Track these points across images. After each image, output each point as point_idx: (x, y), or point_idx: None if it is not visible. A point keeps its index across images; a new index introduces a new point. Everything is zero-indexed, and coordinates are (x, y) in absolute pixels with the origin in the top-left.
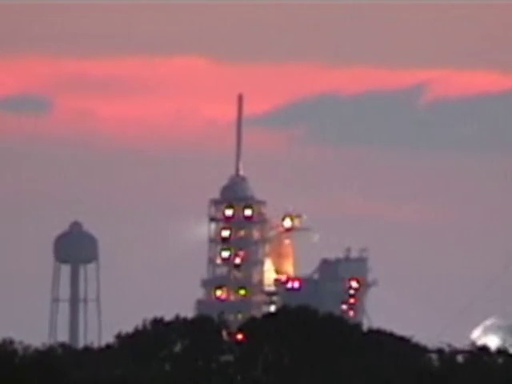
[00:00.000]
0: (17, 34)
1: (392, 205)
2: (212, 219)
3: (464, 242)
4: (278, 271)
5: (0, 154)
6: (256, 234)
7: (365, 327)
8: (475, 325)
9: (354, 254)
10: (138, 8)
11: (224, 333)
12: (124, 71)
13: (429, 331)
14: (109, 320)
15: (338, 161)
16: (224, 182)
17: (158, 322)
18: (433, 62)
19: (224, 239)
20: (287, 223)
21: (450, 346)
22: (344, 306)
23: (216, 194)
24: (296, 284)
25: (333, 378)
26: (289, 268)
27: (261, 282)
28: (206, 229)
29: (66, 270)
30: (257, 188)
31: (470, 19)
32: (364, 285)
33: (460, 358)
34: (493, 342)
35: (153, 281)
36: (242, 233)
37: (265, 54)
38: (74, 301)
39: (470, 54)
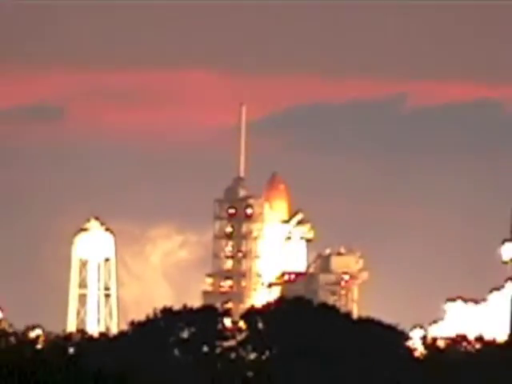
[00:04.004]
0: (38, 47)
1: (378, 205)
2: (217, 217)
3: (445, 240)
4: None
5: (19, 155)
6: (255, 231)
7: (355, 316)
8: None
9: (344, 250)
10: (148, 26)
11: (227, 320)
12: (136, 83)
13: (413, 320)
14: (125, 310)
15: (328, 163)
16: (228, 182)
17: (167, 311)
18: (414, 74)
19: (227, 235)
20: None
21: (424, 329)
22: (336, 297)
23: (221, 195)
24: (293, 276)
25: (326, 359)
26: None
27: (261, 275)
28: (211, 226)
29: (88, 264)
30: (257, 189)
31: (445, 37)
32: (354, 277)
33: (441, 344)
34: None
35: (164, 275)
36: (243, 229)
37: (263, 68)
38: (94, 293)
39: (446, 67)
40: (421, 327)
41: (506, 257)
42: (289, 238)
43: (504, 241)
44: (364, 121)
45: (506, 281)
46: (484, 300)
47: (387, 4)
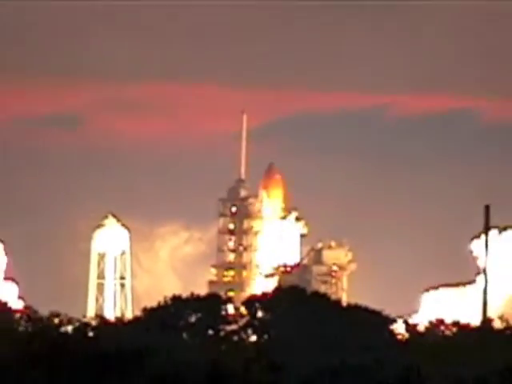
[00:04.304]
0: (61, 60)
1: (364, 204)
2: (221, 215)
3: (425, 236)
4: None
5: (43, 158)
6: (255, 227)
7: (344, 303)
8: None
9: (334, 244)
10: (161, 44)
11: (230, 307)
12: (147, 95)
13: (396, 307)
14: (138, 298)
15: (319, 165)
16: (231, 184)
17: (176, 299)
18: (394, 87)
19: (230, 231)
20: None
21: (410, 315)
22: (327, 286)
23: (224, 195)
24: (288, 268)
25: (319, 342)
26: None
27: (260, 266)
28: (215, 223)
29: (105, 257)
30: (256, 189)
31: (424, 54)
32: (343, 269)
33: (422, 328)
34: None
35: (172, 268)
36: (244, 226)
37: (261, 81)
38: (111, 283)
39: (423, 80)
40: (401, 317)
41: (476, 252)
42: (284, 233)
43: (474, 237)
44: (351, 128)
45: (477, 275)
46: (459, 291)
47: (366, 26)
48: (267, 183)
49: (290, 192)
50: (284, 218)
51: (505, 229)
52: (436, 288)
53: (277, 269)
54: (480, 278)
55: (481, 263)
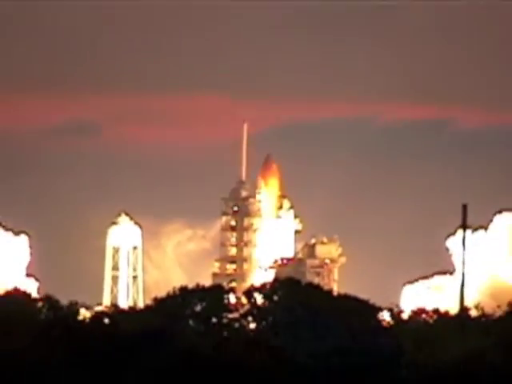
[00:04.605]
0: (80, 73)
1: (353, 203)
2: (223, 213)
3: (406, 233)
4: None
5: (64, 163)
6: (255, 224)
7: (335, 293)
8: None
9: (326, 240)
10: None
11: (232, 297)
12: (157, 106)
13: (381, 297)
14: (148, 289)
15: (311, 169)
16: (233, 185)
17: (183, 290)
18: (381, 96)
19: (232, 228)
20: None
21: (397, 306)
22: (320, 278)
23: (227, 194)
24: (285, 261)
25: (313, 327)
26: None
27: (259, 260)
28: (217, 221)
29: (119, 251)
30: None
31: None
32: (334, 262)
33: (405, 316)
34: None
35: (179, 263)
36: (245, 223)
37: (261, 93)
38: (124, 275)
39: (409, 91)
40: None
41: (452, 249)
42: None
43: (449, 235)
44: (343, 134)
45: (453, 270)
46: (436, 283)
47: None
48: (265, 172)
49: (284, 191)
50: (280, 207)
51: (476, 229)
52: (416, 280)
53: (274, 262)
54: (458, 272)
55: (456, 259)
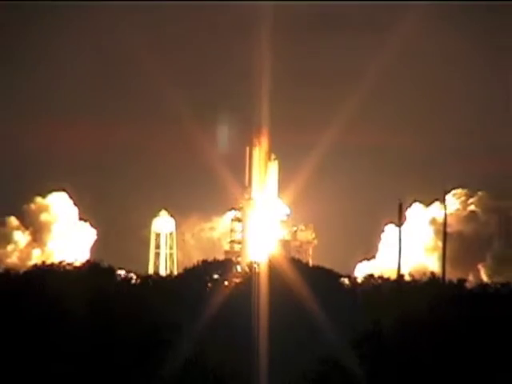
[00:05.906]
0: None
1: (324, 200)
2: (232, 208)
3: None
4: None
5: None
6: (254, 217)
7: (310, 265)
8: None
9: (303, 228)
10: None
11: (238, 267)
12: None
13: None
14: (179, 263)
15: (303, 177)
16: (238, 189)
17: (204, 262)
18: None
19: (239, 219)
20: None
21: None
22: (300, 255)
23: (235, 194)
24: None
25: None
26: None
27: (258, 242)
28: (226, 216)
29: (160, 235)
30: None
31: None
32: (310, 243)
33: (359, 280)
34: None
35: (199, 247)
36: (247, 216)
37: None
38: (163, 252)
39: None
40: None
41: (388, 242)
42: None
43: (383, 230)
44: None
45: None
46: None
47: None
48: (255, 141)
49: (281, 193)
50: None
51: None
52: (367, 259)
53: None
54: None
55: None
